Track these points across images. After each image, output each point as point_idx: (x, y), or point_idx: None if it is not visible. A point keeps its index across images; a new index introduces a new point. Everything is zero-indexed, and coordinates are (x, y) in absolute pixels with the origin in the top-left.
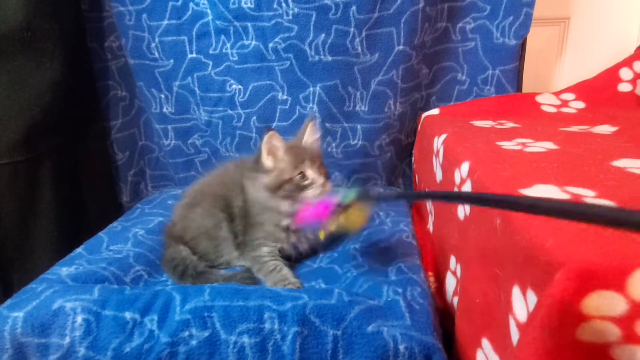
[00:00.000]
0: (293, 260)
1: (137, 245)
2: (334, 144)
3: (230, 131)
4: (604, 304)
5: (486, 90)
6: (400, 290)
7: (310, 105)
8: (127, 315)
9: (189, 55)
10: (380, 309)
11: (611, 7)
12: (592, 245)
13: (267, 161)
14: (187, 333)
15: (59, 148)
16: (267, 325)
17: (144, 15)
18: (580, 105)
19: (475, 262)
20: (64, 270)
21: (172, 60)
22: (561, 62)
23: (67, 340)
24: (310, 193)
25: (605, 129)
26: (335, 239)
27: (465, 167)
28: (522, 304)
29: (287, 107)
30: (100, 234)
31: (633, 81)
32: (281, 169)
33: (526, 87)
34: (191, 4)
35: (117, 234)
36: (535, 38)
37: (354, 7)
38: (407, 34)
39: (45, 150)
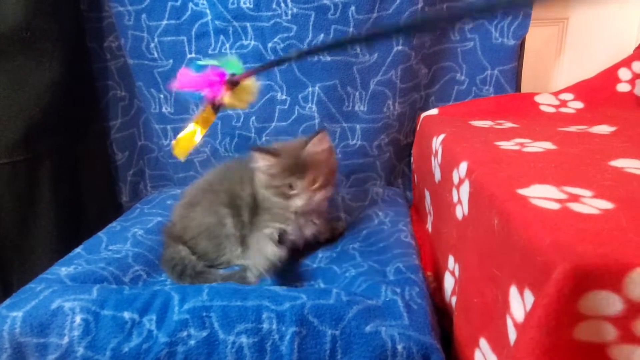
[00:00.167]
0: (301, 248)
1: (136, 245)
2: (333, 144)
3: (230, 131)
4: (600, 304)
5: (485, 90)
6: (398, 290)
7: (309, 105)
8: (126, 315)
9: (188, 55)
10: (379, 308)
11: (610, 7)
12: (589, 245)
13: (263, 160)
14: (185, 333)
15: (58, 148)
16: (265, 325)
17: (143, 16)
18: (579, 105)
19: (474, 262)
20: (63, 270)
21: (171, 60)
22: (560, 62)
23: (66, 340)
24: (292, 203)
25: (604, 129)
26: (335, 240)
27: (463, 167)
28: (519, 304)
29: (286, 107)
30: (100, 233)
31: (632, 81)
32: (272, 174)
33: (525, 87)
34: (190, 4)
35: (116, 233)
36: (534, 38)
37: (352, 8)
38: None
39: (45, 150)
